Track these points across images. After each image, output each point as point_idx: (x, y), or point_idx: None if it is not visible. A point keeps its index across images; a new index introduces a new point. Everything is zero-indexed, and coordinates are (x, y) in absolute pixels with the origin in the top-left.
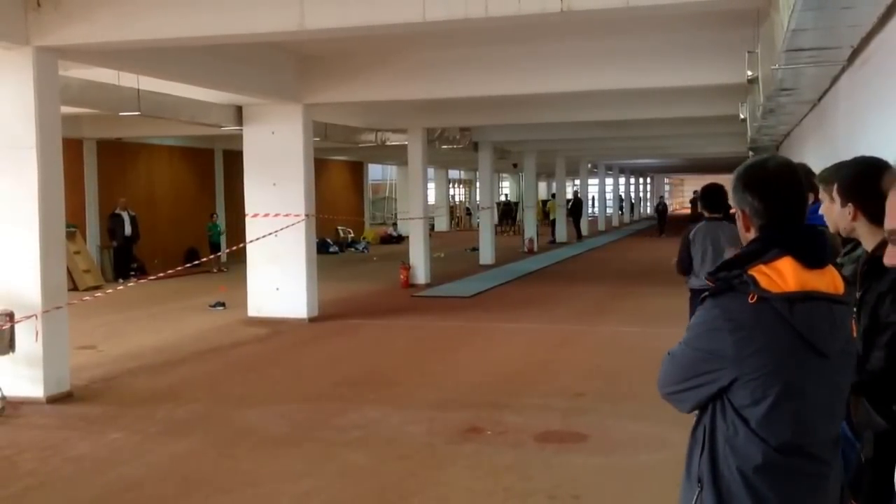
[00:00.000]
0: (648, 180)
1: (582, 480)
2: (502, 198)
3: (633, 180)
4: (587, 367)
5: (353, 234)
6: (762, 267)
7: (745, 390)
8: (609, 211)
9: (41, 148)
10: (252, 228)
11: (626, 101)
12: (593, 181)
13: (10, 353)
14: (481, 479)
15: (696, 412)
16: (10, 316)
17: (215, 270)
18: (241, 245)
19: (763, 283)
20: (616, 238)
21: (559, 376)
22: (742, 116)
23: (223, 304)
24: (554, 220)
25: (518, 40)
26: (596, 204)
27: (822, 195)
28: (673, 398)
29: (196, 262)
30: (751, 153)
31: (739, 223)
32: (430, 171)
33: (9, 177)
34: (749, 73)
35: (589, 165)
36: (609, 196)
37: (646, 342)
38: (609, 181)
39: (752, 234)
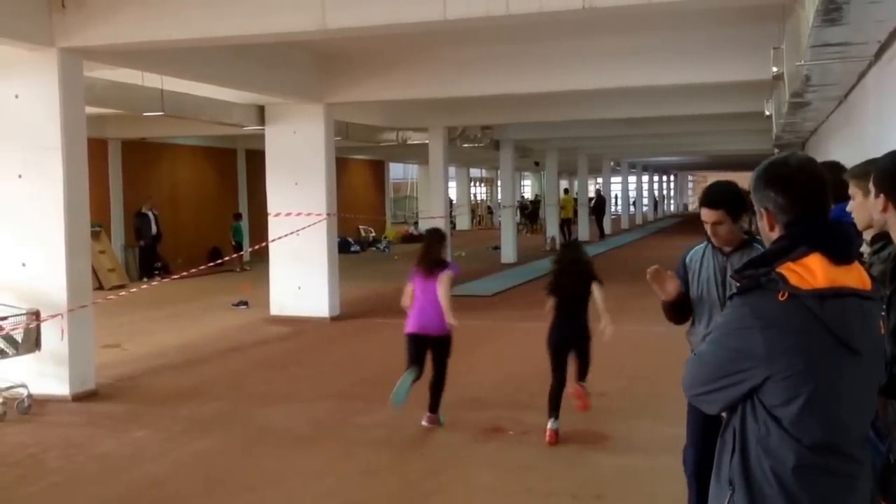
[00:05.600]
0: (672, 178)
1: (604, 480)
2: (525, 195)
3: (656, 178)
4: (609, 366)
5: (374, 233)
6: (790, 264)
7: (776, 389)
8: (632, 209)
9: (66, 148)
10: (274, 227)
11: (650, 98)
12: (616, 179)
13: (36, 352)
14: (503, 478)
15: (724, 414)
16: (37, 315)
17: (238, 269)
18: (264, 244)
19: (792, 280)
20: (640, 236)
21: None
22: (767, 113)
23: (246, 303)
24: (568, 220)
25: (539, 38)
26: (619, 202)
27: (854, 191)
28: (701, 399)
29: (219, 261)
30: (776, 150)
31: (763, 222)
32: (452, 170)
33: (35, 177)
34: (774, 69)
35: (612, 163)
36: (632, 194)
37: (669, 342)
38: (632, 179)
39: (776, 233)
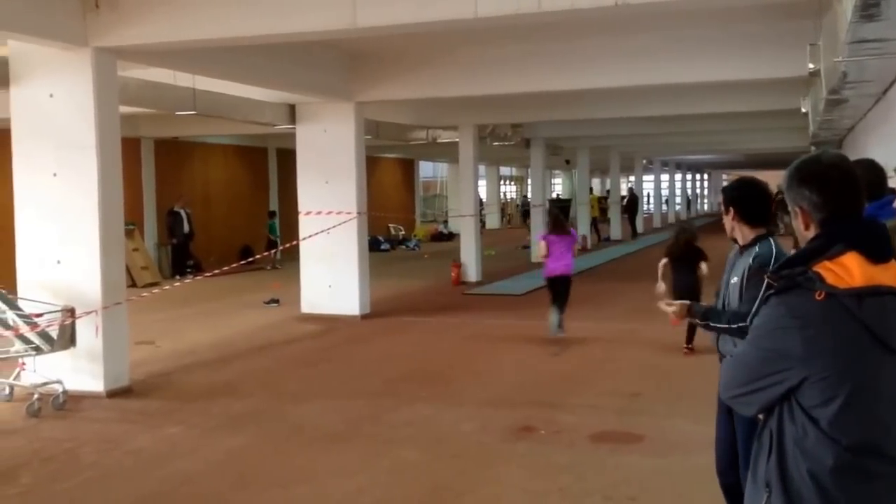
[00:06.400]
0: (706, 176)
1: (638, 481)
2: (555, 195)
3: (689, 176)
4: (642, 366)
5: (404, 232)
6: (827, 263)
7: (814, 390)
8: (664, 207)
9: (100, 147)
10: (305, 226)
11: (682, 96)
12: (648, 177)
13: (72, 348)
14: (535, 478)
15: (760, 416)
16: (72, 312)
17: (269, 267)
18: (295, 242)
19: (829, 279)
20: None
21: (613, 376)
22: (804, 110)
23: (277, 301)
24: (594, 219)
25: (571, 35)
26: (651, 200)
27: None
28: (738, 401)
29: (250, 259)
30: (812, 148)
31: (797, 221)
32: (481, 168)
33: (70, 175)
34: (811, 65)
35: (644, 161)
36: (665, 192)
37: (703, 342)
38: (665, 177)
39: (811, 232)
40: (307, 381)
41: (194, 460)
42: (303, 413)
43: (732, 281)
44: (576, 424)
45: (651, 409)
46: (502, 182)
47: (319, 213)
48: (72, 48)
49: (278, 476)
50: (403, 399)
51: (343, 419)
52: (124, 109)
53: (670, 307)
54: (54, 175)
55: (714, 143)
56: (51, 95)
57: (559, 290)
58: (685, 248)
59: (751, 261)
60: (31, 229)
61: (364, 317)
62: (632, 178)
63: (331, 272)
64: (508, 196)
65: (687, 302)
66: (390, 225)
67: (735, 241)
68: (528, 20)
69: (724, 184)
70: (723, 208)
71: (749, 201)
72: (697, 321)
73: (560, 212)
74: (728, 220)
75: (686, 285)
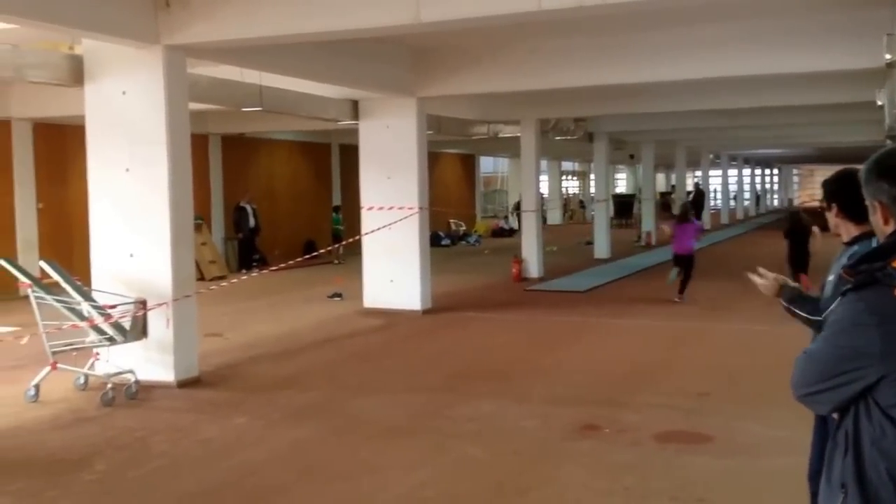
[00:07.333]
0: (775, 171)
1: (706, 483)
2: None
3: (758, 171)
4: (709, 365)
5: (464, 227)
6: None
7: (892, 389)
8: (732, 203)
9: (171, 143)
10: (367, 221)
11: (752, 88)
12: (716, 172)
13: (144, 339)
14: (600, 477)
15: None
16: (144, 304)
17: (336, 262)
18: (357, 237)
19: None
20: (741, 232)
21: (679, 375)
22: (879, 103)
23: (340, 295)
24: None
25: (636, 27)
26: (719, 196)
27: None
28: (810, 399)
29: (314, 253)
30: (888, 142)
31: (876, 217)
32: (543, 163)
33: (141, 171)
34: (888, 56)
35: (711, 156)
36: (733, 188)
37: (772, 341)
38: (732, 172)
39: (891, 227)
40: (370, 374)
41: (260, 451)
42: (366, 406)
43: (829, 279)
44: (641, 423)
45: (720, 410)
46: (564, 177)
47: (381, 208)
48: (144, 46)
49: (342, 468)
50: (465, 394)
51: (405, 413)
52: (193, 106)
53: (762, 279)
54: (127, 170)
55: (785, 137)
56: (123, 93)
57: (682, 264)
58: (797, 225)
59: (845, 260)
60: (104, 223)
61: (425, 312)
62: (698, 173)
63: (393, 267)
64: (570, 191)
65: (781, 278)
66: (451, 220)
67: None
68: (592, 12)
69: (825, 177)
70: (825, 204)
71: (852, 196)
72: (783, 302)
73: (694, 203)
74: (831, 217)
75: (800, 257)
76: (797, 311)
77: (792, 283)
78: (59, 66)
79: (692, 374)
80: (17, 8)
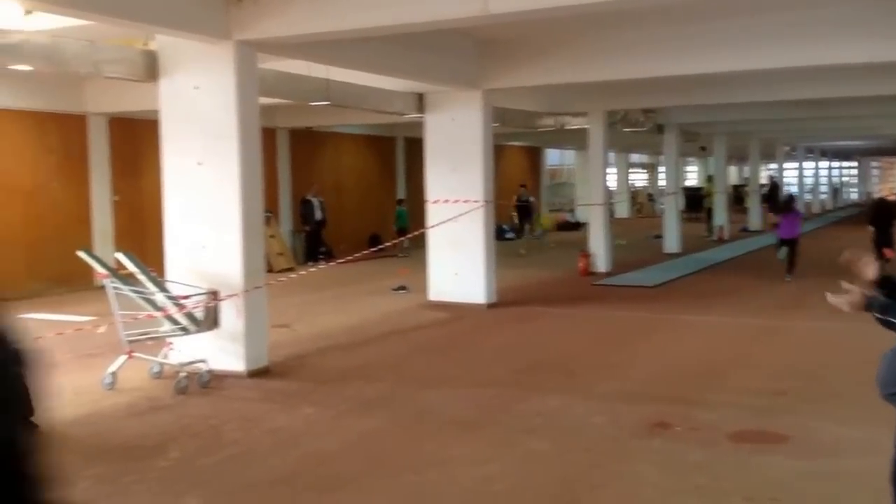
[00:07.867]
0: (854, 163)
1: (781, 484)
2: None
3: (835, 164)
4: (785, 364)
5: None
6: None
7: None
8: (808, 196)
9: (242, 137)
10: (432, 214)
11: (829, 78)
12: (791, 165)
13: (216, 329)
14: (670, 476)
15: None
16: (215, 294)
17: (400, 255)
18: (422, 230)
19: None
20: (818, 226)
21: (753, 373)
22: None
23: (405, 288)
24: (710, 210)
25: (707, 16)
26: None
27: None
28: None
29: (380, 246)
30: None
31: None
32: (610, 156)
33: (213, 164)
34: None
35: (786, 148)
36: (809, 181)
37: (850, 339)
38: (809, 164)
39: None
40: (436, 367)
41: (329, 441)
42: (432, 399)
43: None
44: (714, 422)
45: (797, 409)
46: (631, 169)
47: (447, 201)
48: (215, 41)
49: (410, 461)
50: (532, 389)
51: (472, 406)
52: (261, 100)
53: (841, 298)
54: (199, 164)
55: (864, 128)
56: (196, 87)
57: (788, 245)
58: (883, 210)
59: None
60: (178, 216)
61: (490, 305)
62: (772, 166)
63: (457, 260)
64: (638, 184)
65: (865, 292)
66: (512, 213)
67: None
68: (662, 2)
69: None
70: None
71: None
72: (875, 314)
73: (792, 198)
74: None
75: (885, 240)
76: (894, 319)
77: (882, 298)
78: (134, 62)
79: (767, 372)
80: (96, 5)
